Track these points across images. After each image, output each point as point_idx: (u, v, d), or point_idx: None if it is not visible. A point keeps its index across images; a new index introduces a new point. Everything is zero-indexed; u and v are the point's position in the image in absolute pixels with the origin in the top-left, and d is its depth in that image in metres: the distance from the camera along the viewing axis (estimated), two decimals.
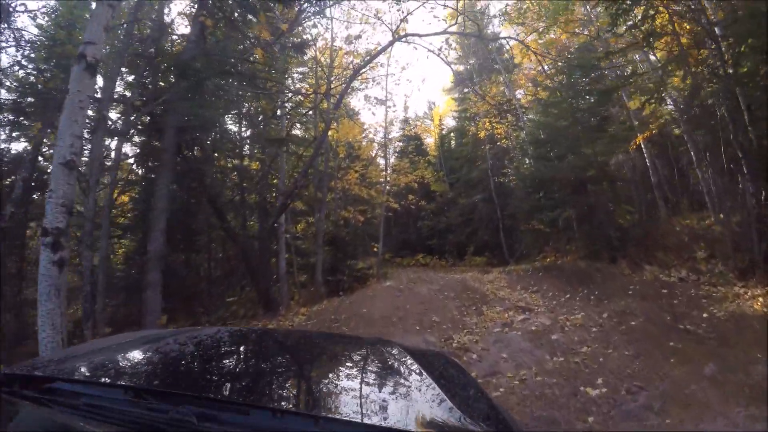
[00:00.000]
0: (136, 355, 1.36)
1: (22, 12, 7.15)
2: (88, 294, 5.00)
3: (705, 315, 5.70)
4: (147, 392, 0.99)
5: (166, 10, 8.05)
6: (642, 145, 12.69)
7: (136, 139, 8.57)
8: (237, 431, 0.90)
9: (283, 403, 1.07)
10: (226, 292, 11.04)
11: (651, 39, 7.80)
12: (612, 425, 3.60)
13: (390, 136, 16.81)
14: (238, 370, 1.33)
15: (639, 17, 7.91)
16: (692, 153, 11.65)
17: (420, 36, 7.88)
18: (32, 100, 8.83)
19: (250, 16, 6.81)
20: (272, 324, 7.50)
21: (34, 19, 7.85)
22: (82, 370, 1.20)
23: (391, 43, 7.97)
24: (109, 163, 8.68)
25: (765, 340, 4.54)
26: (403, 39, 7.94)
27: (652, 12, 7.89)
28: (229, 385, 1.17)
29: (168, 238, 7.91)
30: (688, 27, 8.34)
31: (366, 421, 0.93)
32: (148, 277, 5.31)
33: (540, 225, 14.41)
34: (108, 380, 1.13)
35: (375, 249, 16.08)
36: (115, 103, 7.39)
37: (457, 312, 8.00)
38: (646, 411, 3.71)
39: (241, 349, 1.60)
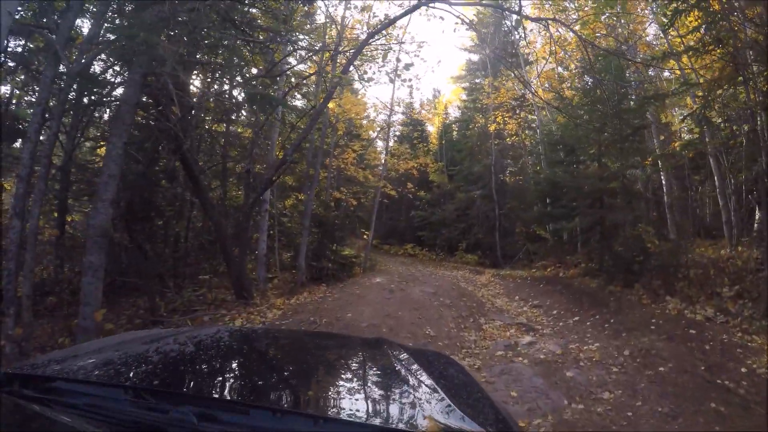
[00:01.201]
0: (136, 355, 1.32)
1: None
2: (12, 274, 3.92)
3: (744, 370, 4.94)
4: (147, 392, 0.98)
5: None
6: (660, 163, 11.91)
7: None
8: (237, 431, 0.88)
9: (283, 403, 1.05)
10: (201, 268, 9.94)
11: (710, 47, 6.83)
12: None
13: (394, 119, 15.61)
14: (238, 369, 1.34)
15: (701, 21, 6.92)
16: (715, 178, 10.92)
17: (450, 4, 6.77)
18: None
19: None
20: (242, 317, 6.54)
21: None
22: (82, 370, 1.17)
23: (416, 7, 6.84)
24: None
25: None
26: (431, 4, 6.81)
27: (711, 19, 6.95)
28: (229, 385, 1.18)
29: (131, 208, 6.79)
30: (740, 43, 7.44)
31: (366, 421, 0.91)
32: (86, 260, 4.19)
33: (542, 232, 13.67)
34: (108, 380, 1.11)
35: (365, 236, 15.17)
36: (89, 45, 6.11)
37: (454, 324, 7.18)
38: None
39: (241, 348, 1.58)
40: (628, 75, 10.93)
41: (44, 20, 5.79)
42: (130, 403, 0.95)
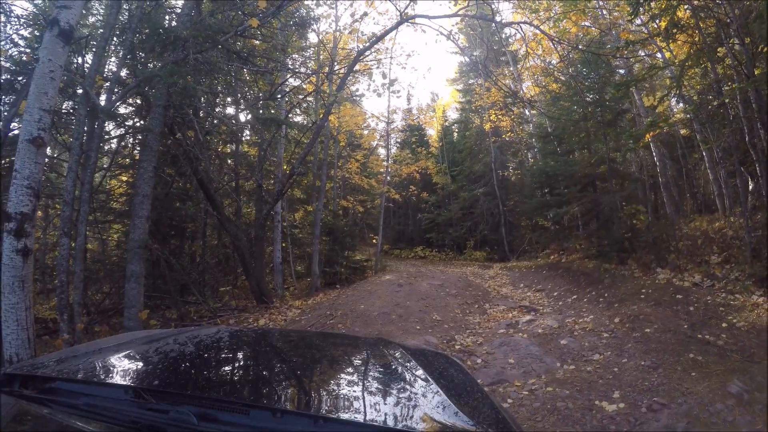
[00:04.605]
0: (136, 355, 1.35)
1: None
2: (64, 284, 4.61)
3: (724, 325, 5.37)
4: (147, 392, 0.97)
5: None
6: (651, 144, 12.31)
7: (128, 120, 8.11)
8: (237, 431, 0.89)
9: (282, 403, 1.06)
10: (220, 281, 10.67)
11: (673, 31, 7.33)
12: None
13: (393, 125, 16.31)
14: (238, 370, 1.34)
15: (662, 7, 7.44)
16: (704, 153, 11.29)
17: (429, 18, 7.41)
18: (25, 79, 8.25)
19: None
20: (264, 318, 7.14)
21: None
22: (82, 370, 1.19)
23: (398, 24, 7.49)
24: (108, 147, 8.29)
25: None
26: (411, 20, 7.46)
27: (674, 2, 7.46)
28: (229, 385, 1.18)
29: (157, 226, 7.49)
30: (711, 21, 7.91)
31: (366, 421, 0.92)
32: (128, 268, 4.86)
33: (544, 222, 14.11)
34: (108, 380, 1.13)
35: (374, 240, 15.78)
36: (104, 82, 6.92)
37: (460, 310, 7.69)
38: None
39: (241, 349, 1.59)
40: (617, 62, 11.45)
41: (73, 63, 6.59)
42: (130, 403, 0.96)
